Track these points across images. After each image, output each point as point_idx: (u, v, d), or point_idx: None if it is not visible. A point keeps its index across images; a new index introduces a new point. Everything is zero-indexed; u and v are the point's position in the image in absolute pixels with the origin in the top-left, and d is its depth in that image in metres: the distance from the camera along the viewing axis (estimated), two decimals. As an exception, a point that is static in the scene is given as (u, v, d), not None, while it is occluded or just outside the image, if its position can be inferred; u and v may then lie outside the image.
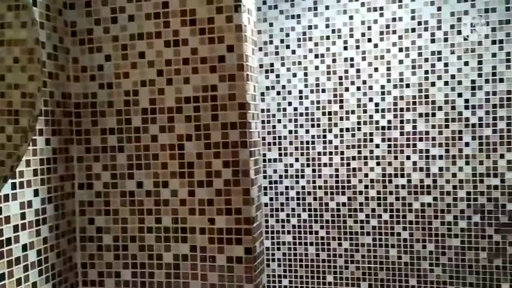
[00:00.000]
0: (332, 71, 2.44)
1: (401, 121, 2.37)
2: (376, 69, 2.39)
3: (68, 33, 1.47)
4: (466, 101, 2.29)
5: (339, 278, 2.47)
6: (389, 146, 2.38)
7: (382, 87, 2.38)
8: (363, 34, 2.39)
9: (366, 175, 2.42)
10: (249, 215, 1.37)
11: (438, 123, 2.32)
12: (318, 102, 2.47)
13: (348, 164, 2.43)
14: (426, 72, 2.32)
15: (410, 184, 2.37)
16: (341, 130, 2.44)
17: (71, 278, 1.47)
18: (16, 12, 1.17)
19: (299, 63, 2.49)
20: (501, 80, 2.24)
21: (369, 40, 2.39)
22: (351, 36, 2.41)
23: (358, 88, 2.41)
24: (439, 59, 2.31)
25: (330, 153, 2.46)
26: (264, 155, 2.54)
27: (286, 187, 2.52)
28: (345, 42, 2.42)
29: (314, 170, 2.48)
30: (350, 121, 2.43)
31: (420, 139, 2.35)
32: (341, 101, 2.44)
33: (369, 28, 2.39)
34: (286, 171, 2.52)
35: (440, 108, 2.32)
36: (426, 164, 2.34)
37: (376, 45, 2.38)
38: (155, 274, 1.45)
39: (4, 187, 1.21)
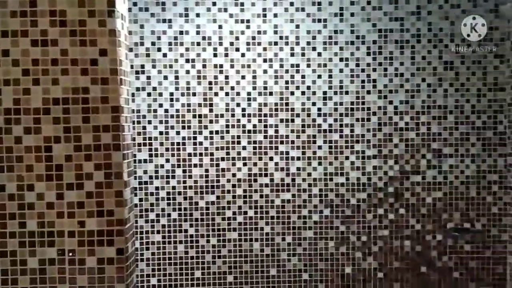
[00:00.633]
0: (202, 75, 2.55)
1: (265, 126, 2.58)
2: (243, 77, 2.56)
3: None
4: (319, 109, 2.59)
5: (207, 274, 2.59)
6: (255, 148, 2.58)
7: (249, 93, 2.57)
8: (231, 43, 2.55)
9: (234, 175, 2.58)
10: (122, 216, 1.40)
11: (296, 128, 2.59)
12: (189, 105, 2.55)
13: (218, 165, 2.57)
14: (287, 82, 2.58)
15: (273, 182, 2.60)
16: (211, 132, 2.57)
17: None
18: None
19: (170, 66, 2.54)
20: (347, 93, 2.60)
21: (237, 49, 2.56)
22: (221, 44, 2.55)
23: (227, 94, 2.56)
24: (297, 71, 2.58)
25: (200, 154, 2.57)
26: (134, 156, 2.54)
27: (157, 188, 2.56)
28: (215, 49, 2.55)
29: (184, 171, 2.56)
30: (219, 124, 2.57)
31: (282, 142, 2.59)
32: (211, 105, 2.56)
33: (237, 38, 2.55)
34: (156, 171, 2.56)
35: (298, 115, 2.59)
36: (286, 165, 2.60)
37: (243, 55, 2.56)
38: (19, 280, 1.39)
39: None
